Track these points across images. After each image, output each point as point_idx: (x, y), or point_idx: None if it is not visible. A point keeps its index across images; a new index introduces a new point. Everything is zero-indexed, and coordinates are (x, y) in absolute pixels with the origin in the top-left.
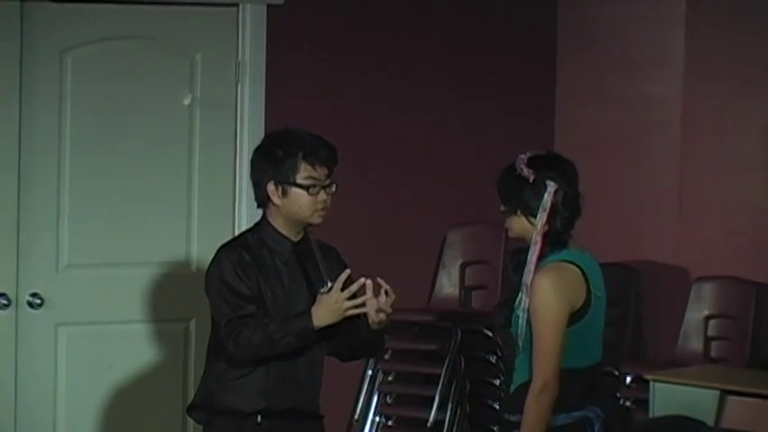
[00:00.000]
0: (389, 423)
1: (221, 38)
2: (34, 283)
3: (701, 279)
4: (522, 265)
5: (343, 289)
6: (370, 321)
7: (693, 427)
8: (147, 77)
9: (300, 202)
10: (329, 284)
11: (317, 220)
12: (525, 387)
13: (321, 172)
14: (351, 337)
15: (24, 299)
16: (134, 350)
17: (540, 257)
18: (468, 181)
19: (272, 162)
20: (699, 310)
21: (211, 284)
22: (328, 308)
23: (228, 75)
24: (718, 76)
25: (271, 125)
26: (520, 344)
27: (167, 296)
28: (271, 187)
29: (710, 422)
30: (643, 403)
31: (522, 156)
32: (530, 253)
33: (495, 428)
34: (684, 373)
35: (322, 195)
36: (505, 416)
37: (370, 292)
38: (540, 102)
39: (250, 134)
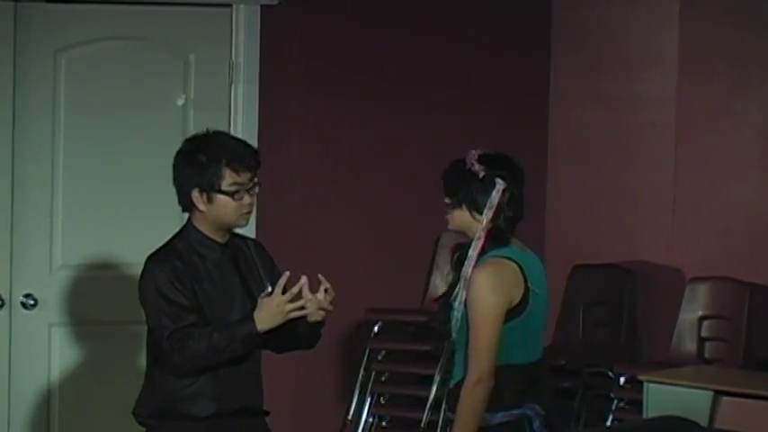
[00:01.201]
0: (383, 423)
1: (215, 38)
2: (28, 283)
3: (694, 279)
4: (463, 259)
5: (284, 292)
6: (309, 318)
7: (687, 427)
8: (140, 78)
9: (226, 208)
10: (269, 288)
11: (242, 223)
12: (462, 384)
13: (245, 177)
14: (287, 332)
15: (18, 299)
16: (127, 351)
17: (482, 253)
18: None
19: (195, 169)
20: (693, 310)
21: (147, 296)
22: (270, 311)
23: (222, 75)
24: (712, 76)
25: (264, 125)
26: (454, 336)
27: None
28: (195, 194)
29: (704, 423)
30: (637, 404)
31: (474, 152)
32: (471, 248)
33: None
34: (678, 373)
35: (246, 199)
36: (447, 413)
37: (306, 290)
38: (534, 102)
39: (244, 134)
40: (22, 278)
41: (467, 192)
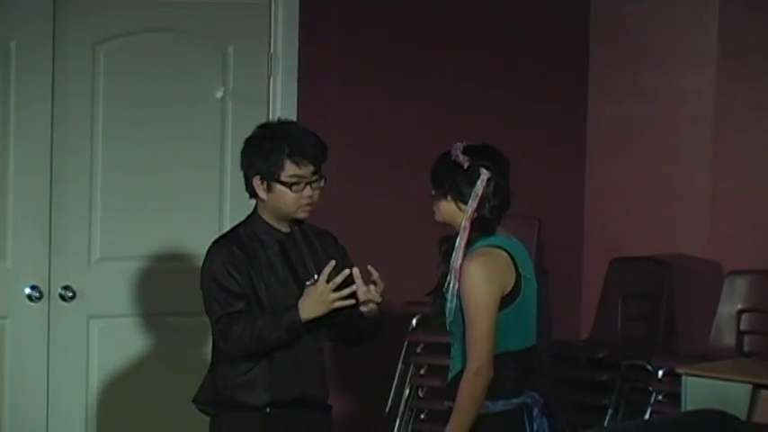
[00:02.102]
0: (421, 416)
1: (254, 30)
2: (66, 276)
3: (733, 273)
4: (450, 251)
5: (329, 281)
6: (362, 310)
7: (725, 421)
8: (179, 70)
9: (285, 198)
10: (315, 276)
11: (301, 215)
12: (461, 375)
13: (306, 170)
14: (350, 325)
15: (56, 292)
16: (165, 343)
17: (468, 244)
18: None
19: (259, 156)
20: (731, 303)
21: (203, 282)
22: (314, 300)
23: (261, 67)
24: (751, 69)
25: (303, 117)
26: (448, 327)
27: (199, 289)
28: (256, 181)
29: (743, 416)
30: (675, 397)
31: (459, 143)
32: (458, 238)
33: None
34: (717, 367)
35: (307, 191)
36: (446, 403)
37: (359, 281)
38: (573, 95)
39: None
40: (60, 270)
41: (452, 183)
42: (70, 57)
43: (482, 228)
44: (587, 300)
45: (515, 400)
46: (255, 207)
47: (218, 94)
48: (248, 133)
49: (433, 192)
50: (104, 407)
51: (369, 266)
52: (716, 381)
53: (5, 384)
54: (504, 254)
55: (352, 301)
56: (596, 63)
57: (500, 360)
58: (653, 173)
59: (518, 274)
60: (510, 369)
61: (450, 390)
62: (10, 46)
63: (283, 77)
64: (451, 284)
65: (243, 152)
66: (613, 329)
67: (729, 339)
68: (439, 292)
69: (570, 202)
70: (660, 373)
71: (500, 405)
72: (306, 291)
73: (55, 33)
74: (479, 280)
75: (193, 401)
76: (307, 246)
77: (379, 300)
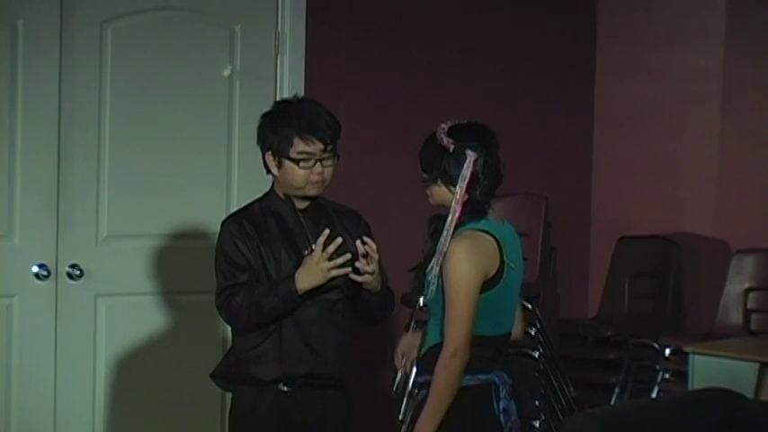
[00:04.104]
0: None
1: (261, 9)
2: (74, 254)
3: (740, 251)
4: (438, 231)
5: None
6: (356, 280)
7: (733, 399)
8: (186, 49)
9: (293, 174)
10: (312, 247)
11: (311, 192)
12: (435, 349)
13: (315, 147)
14: (362, 302)
15: (64, 270)
16: (173, 321)
17: (458, 225)
18: (507, 153)
19: (270, 132)
20: (739, 282)
21: (215, 255)
22: (310, 270)
23: (268, 46)
24: (759, 47)
25: (310, 96)
26: (429, 308)
27: (207, 267)
28: (269, 157)
29: (750, 394)
30: (682, 375)
31: (443, 125)
32: (447, 221)
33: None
34: (724, 345)
35: (317, 168)
36: (416, 378)
37: (362, 250)
38: (580, 73)
39: None
40: (68, 249)
41: (440, 167)
42: (78, 35)
43: (473, 210)
44: (595, 278)
45: (482, 377)
46: (273, 183)
47: (226, 73)
48: (256, 112)
49: (423, 176)
50: (112, 385)
51: (363, 238)
52: (723, 359)
53: (13, 363)
54: (491, 239)
55: (348, 270)
56: (604, 42)
57: (473, 342)
58: (660, 151)
59: (502, 261)
60: (481, 350)
61: (423, 362)
62: (18, 24)
63: (291, 56)
64: (434, 267)
65: (258, 127)
66: (621, 308)
67: (736, 318)
68: (422, 270)
69: (578, 181)
70: (667, 351)
71: (465, 380)
72: (303, 261)
73: (63, 12)
74: (462, 262)
75: (210, 376)
76: (325, 221)
77: (371, 270)
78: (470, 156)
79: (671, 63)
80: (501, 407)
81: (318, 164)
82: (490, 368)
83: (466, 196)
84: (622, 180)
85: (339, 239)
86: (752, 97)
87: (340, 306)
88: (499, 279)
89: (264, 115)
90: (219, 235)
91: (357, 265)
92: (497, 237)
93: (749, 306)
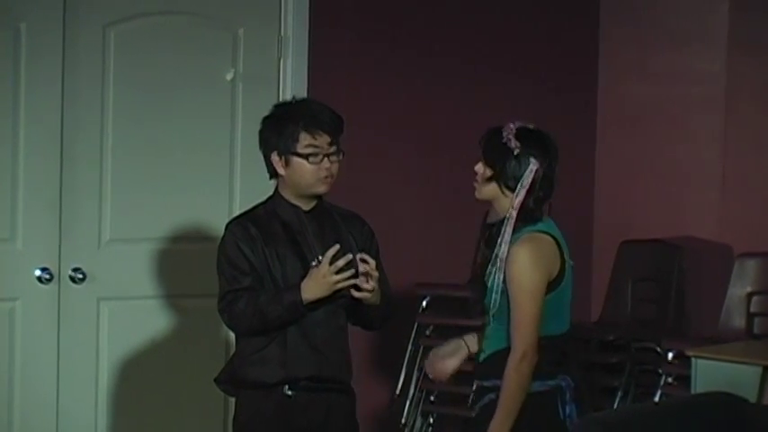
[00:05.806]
0: (431, 398)
1: (264, 12)
2: (77, 257)
3: (743, 255)
4: (494, 238)
5: (332, 263)
6: (355, 296)
7: (735, 403)
8: (189, 52)
9: (302, 170)
10: (320, 258)
11: (321, 188)
12: (499, 354)
13: (322, 140)
14: (361, 310)
15: (67, 273)
16: (176, 325)
17: (514, 231)
18: None
19: (274, 132)
20: (741, 286)
21: (217, 259)
22: (317, 282)
23: (271, 49)
24: (762, 50)
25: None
26: (491, 315)
27: (210, 271)
28: (275, 158)
29: (753, 398)
30: (685, 379)
31: (512, 125)
32: (504, 227)
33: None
34: (727, 349)
35: (325, 163)
36: (478, 382)
37: (362, 267)
38: (583, 76)
39: None
40: (70, 252)
41: (502, 167)
42: (81, 39)
43: (526, 217)
44: (597, 282)
45: (550, 382)
46: (276, 187)
47: (229, 77)
48: (258, 115)
49: (484, 170)
50: (115, 389)
51: (362, 255)
52: (726, 363)
53: (16, 367)
54: (552, 240)
55: (354, 281)
56: (607, 45)
57: (539, 344)
58: (663, 155)
59: (563, 261)
60: (547, 353)
61: (483, 369)
62: (20, 28)
63: (294, 59)
64: (495, 275)
65: (260, 132)
66: (623, 312)
67: (739, 322)
68: (479, 280)
69: (580, 185)
70: (670, 355)
71: (536, 386)
72: (309, 272)
73: (65, 15)
74: (527, 266)
75: (214, 381)
76: (330, 226)
77: (369, 288)
78: (533, 164)
79: (674, 66)
80: (567, 411)
81: (326, 159)
82: (557, 372)
83: (520, 204)
84: (625, 183)
85: (349, 255)
86: (755, 101)
87: (342, 310)
88: (562, 279)
89: (266, 118)
90: (223, 238)
91: (356, 281)
92: (556, 236)
93: (752, 310)
